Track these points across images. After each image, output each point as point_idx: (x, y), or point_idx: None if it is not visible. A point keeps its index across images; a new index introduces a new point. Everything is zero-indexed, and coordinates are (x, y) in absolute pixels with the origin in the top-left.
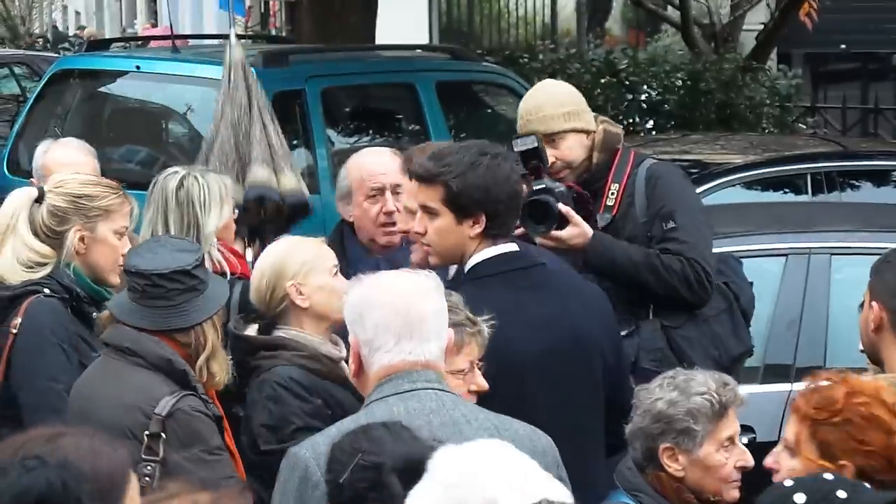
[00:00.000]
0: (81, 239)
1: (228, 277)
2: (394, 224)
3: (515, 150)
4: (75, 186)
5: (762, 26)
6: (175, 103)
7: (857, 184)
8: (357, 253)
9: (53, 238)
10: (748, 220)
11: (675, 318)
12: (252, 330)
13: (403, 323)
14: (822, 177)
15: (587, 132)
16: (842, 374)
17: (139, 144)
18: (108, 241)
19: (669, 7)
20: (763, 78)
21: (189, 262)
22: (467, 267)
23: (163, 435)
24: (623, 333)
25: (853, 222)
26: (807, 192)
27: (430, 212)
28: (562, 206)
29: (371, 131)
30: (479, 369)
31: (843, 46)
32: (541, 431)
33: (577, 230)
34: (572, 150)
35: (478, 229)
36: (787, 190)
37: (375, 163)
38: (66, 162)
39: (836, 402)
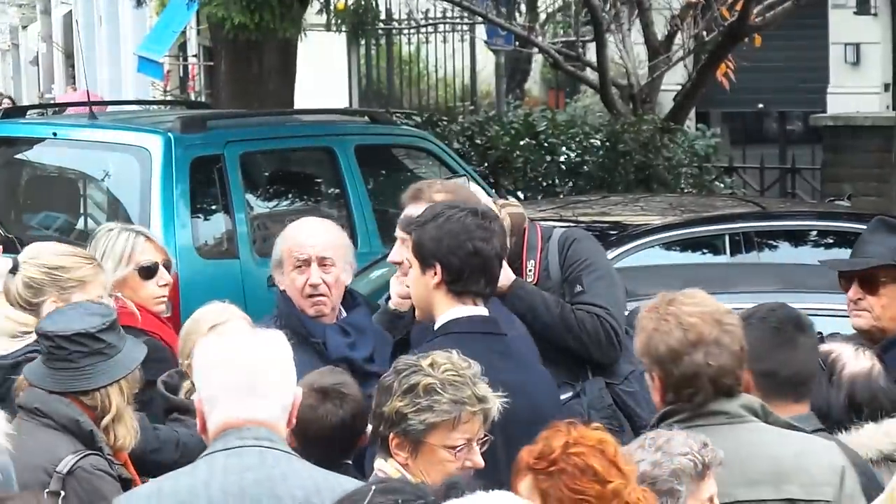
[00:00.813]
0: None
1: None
2: (320, 295)
3: None
4: (49, 258)
5: (680, 87)
6: (92, 169)
7: (775, 244)
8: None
9: (30, 309)
10: (667, 281)
11: (615, 374)
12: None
13: (240, 381)
14: (740, 237)
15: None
16: (571, 425)
17: (57, 211)
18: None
19: (588, 68)
20: (681, 138)
21: (94, 325)
22: (438, 323)
23: (62, 492)
24: (569, 395)
25: (772, 283)
26: (725, 253)
27: (409, 264)
28: None
29: (290, 196)
30: (480, 445)
31: (760, 106)
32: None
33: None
34: None
35: (437, 279)
36: (705, 251)
37: (305, 234)
38: None
39: (552, 452)
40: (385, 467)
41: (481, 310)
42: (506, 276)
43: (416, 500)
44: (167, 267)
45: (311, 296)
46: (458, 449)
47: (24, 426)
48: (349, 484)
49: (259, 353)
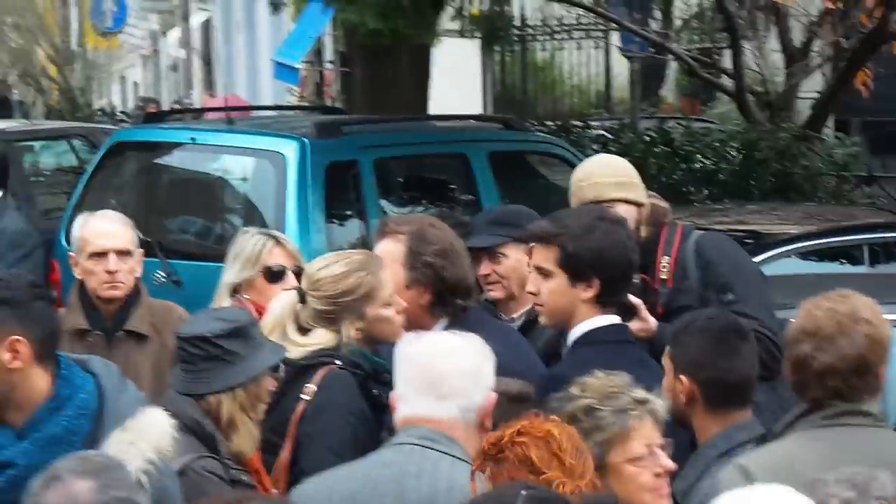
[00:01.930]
0: (358, 330)
1: None
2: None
3: None
4: (331, 286)
5: (818, 94)
6: (230, 174)
7: None
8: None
9: (328, 328)
10: (804, 291)
11: None
12: None
13: (422, 380)
14: (879, 247)
15: (637, 204)
16: (538, 416)
17: (195, 215)
18: (381, 315)
19: (724, 76)
20: (819, 146)
21: (211, 330)
22: (578, 332)
23: None
24: None
25: None
26: (864, 263)
27: (544, 272)
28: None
29: (424, 201)
30: (663, 449)
31: None
32: None
33: (644, 325)
34: None
35: (590, 293)
36: (843, 261)
37: None
38: (104, 233)
39: (501, 440)
40: None
41: (616, 318)
42: (648, 328)
43: None
44: (297, 274)
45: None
46: (641, 459)
47: None
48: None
49: (443, 355)
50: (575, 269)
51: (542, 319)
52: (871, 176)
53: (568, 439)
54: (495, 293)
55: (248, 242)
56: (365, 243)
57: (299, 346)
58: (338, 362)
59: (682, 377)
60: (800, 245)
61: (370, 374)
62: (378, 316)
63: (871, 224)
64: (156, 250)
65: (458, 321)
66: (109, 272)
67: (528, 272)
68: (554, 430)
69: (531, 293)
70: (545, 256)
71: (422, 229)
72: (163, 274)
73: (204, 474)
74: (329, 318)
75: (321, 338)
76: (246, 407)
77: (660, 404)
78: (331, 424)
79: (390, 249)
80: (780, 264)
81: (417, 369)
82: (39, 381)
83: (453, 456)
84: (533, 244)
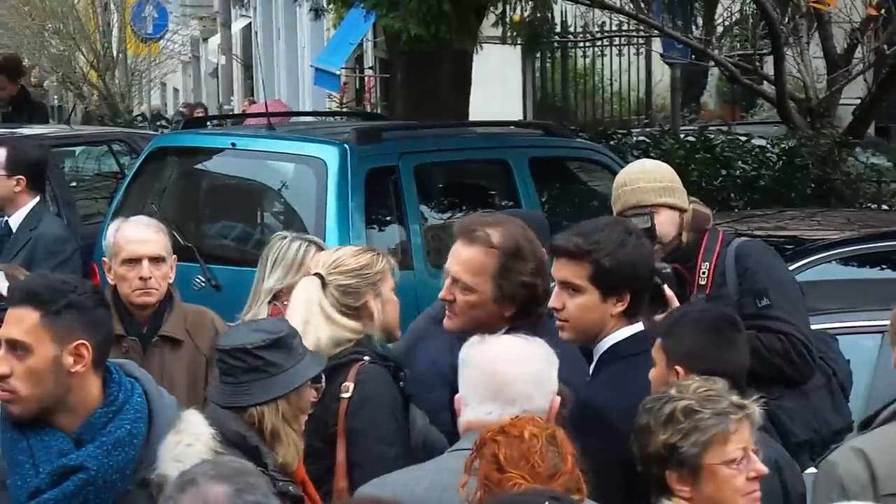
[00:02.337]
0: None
1: None
2: None
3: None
4: (352, 262)
5: (859, 101)
6: (270, 180)
7: None
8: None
9: (352, 314)
10: (844, 296)
11: (772, 389)
12: None
13: (488, 385)
14: None
15: (680, 210)
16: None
17: (235, 220)
18: (391, 299)
19: (765, 82)
20: (860, 153)
21: (252, 342)
22: (607, 345)
23: None
24: None
25: None
26: None
27: (573, 288)
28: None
29: (464, 207)
30: (757, 453)
31: None
32: None
33: None
34: (664, 224)
35: (621, 307)
36: (884, 266)
37: None
38: (137, 239)
39: (484, 437)
40: None
41: (640, 325)
42: None
43: None
44: None
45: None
46: (737, 462)
47: None
48: None
49: (509, 360)
50: (608, 284)
51: (565, 335)
52: None
53: (543, 443)
54: None
55: (289, 248)
56: (405, 249)
57: (342, 329)
58: (366, 358)
59: (678, 368)
60: (840, 251)
61: (398, 366)
62: (389, 297)
63: None
64: (195, 255)
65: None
66: (142, 278)
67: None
68: (528, 431)
69: (555, 308)
70: (575, 272)
71: (517, 245)
72: (202, 279)
73: None
74: (354, 295)
75: (349, 323)
76: (289, 418)
77: (757, 410)
78: (377, 416)
79: (481, 261)
80: (820, 270)
81: (482, 374)
82: (93, 386)
83: None
84: (558, 258)
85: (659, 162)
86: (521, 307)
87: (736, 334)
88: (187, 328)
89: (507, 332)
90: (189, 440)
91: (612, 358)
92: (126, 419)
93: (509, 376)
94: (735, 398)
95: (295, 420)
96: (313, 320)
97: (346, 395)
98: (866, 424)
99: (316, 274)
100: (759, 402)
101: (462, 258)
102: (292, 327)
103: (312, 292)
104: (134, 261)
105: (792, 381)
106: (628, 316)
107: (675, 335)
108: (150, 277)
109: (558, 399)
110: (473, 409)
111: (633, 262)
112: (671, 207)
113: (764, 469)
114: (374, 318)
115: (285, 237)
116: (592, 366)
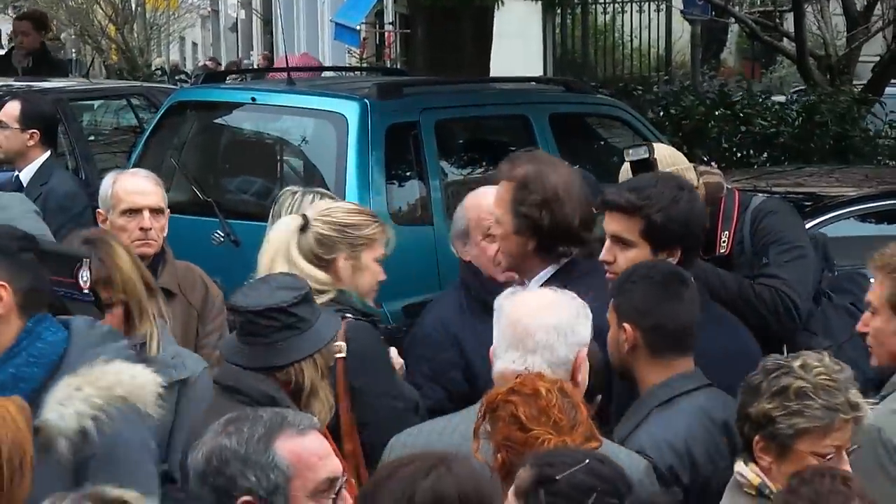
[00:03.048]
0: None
1: None
2: None
3: (626, 159)
4: (341, 216)
5: (878, 58)
6: (290, 135)
7: None
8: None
9: (320, 265)
10: (862, 252)
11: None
12: None
13: (512, 334)
14: None
15: None
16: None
17: (254, 175)
18: (371, 268)
19: (785, 39)
20: (879, 110)
21: (285, 300)
22: None
23: None
24: None
25: None
26: None
27: (624, 242)
28: None
29: (484, 163)
30: (849, 454)
31: None
32: (630, 456)
33: None
34: None
35: (672, 262)
36: None
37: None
38: (138, 191)
39: (494, 398)
40: (745, 471)
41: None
42: None
43: (612, 496)
44: None
45: (500, 263)
46: (827, 457)
47: (220, 402)
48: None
49: (533, 310)
50: (660, 239)
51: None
52: None
53: (557, 396)
54: None
55: (301, 203)
56: (424, 205)
57: (303, 276)
58: (349, 315)
59: (626, 325)
60: (858, 207)
61: (376, 320)
62: (369, 265)
63: None
64: (215, 210)
65: (566, 271)
66: (143, 229)
67: None
68: (542, 387)
69: (606, 262)
70: (627, 227)
71: (527, 177)
72: (221, 234)
73: None
74: (327, 246)
75: (316, 273)
76: (324, 372)
77: (867, 412)
78: (378, 372)
79: (501, 195)
80: (838, 226)
81: (508, 324)
82: (10, 331)
83: None
84: (610, 213)
85: (663, 146)
86: (538, 242)
87: (683, 289)
88: (179, 283)
89: (545, 284)
90: (79, 383)
91: None
92: (14, 363)
93: (531, 326)
94: (853, 394)
95: (324, 375)
96: (278, 261)
97: (340, 355)
98: (879, 386)
99: (303, 215)
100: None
101: (495, 192)
102: (307, 281)
103: (284, 233)
104: (134, 211)
105: (776, 335)
106: None
107: (624, 292)
108: (151, 228)
109: (584, 350)
110: (501, 358)
111: (685, 218)
112: None
113: (849, 471)
114: (342, 278)
115: (296, 192)
116: None
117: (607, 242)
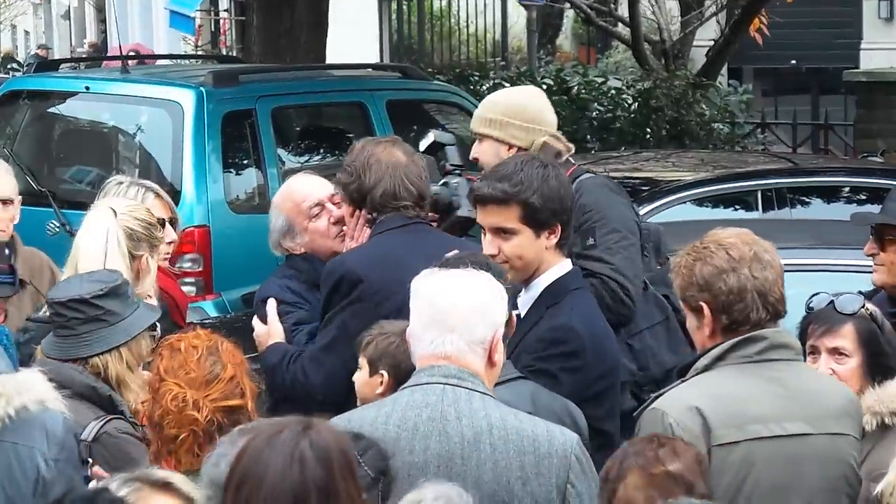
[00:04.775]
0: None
1: None
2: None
3: (420, 151)
4: (144, 213)
5: (713, 42)
6: (125, 124)
7: (807, 200)
8: None
9: (133, 259)
10: (698, 237)
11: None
12: None
13: (430, 314)
14: (772, 193)
15: (507, 144)
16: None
17: (89, 165)
18: (153, 269)
19: (620, 24)
20: (713, 94)
21: (90, 292)
22: (549, 280)
23: (89, 460)
24: None
25: (804, 239)
26: (757, 209)
27: (505, 232)
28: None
29: (322, 150)
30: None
31: (793, 62)
32: (564, 433)
33: None
34: (484, 154)
35: (554, 240)
36: (737, 207)
37: (303, 186)
38: None
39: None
40: None
41: (570, 262)
42: None
43: None
44: (174, 224)
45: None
46: None
47: None
48: (528, 425)
49: (449, 288)
50: (540, 220)
51: (514, 276)
52: (763, 123)
53: (206, 352)
54: None
55: (125, 195)
56: (262, 193)
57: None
58: None
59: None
60: (694, 192)
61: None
62: (154, 266)
63: (763, 170)
64: (50, 200)
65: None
66: None
67: None
68: (185, 343)
69: (492, 255)
70: (505, 216)
71: (353, 149)
72: (57, 224)
73: (119, 436)
74: (135, 242)
75: (119, 263)
76: (132, 366)
77: None
78: None
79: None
80: (674, 211)
81: (426, 304)
82: None
83: (481, 392)
84: (483, 206)
85: (523, 93)
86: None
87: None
88: (28, 270)
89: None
90: None
91: (562, 290)
92: None
93: (449, 305)
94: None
95: (135, 367)
96: (112, 254)
97: None
98: (682, 373)
99: (111, 208)
100: None
101: None
102: (124, 276)
103: (111, 224)
104: None
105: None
106: (560, 247)
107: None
108: (1, 219)
109: (500, 331)
110: (419, 339)
111: (558, 194)
112: (495, 139)
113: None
114: (146, 276)
115: (122, 182)
116: (533, 299)
117: (487, 236)
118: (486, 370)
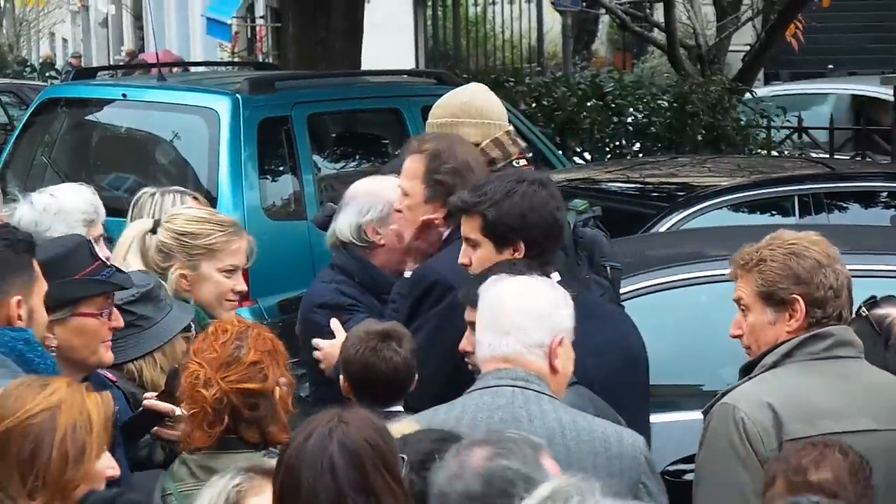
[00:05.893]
0: (183, 277)
1: None
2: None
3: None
4: (181, 223)
5: (748, 47)
6: (162, 131)
7: (845, 206)
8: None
9: (161, 274)
10: (734, 243)
11: None
12: None
13: (488, 317)
14: (809, 199)
15: None
16: None
17: (126, 172)
18: (213, 278)
19: (655, 29)
20: (750, 101)
21: (121, 298)
22: None
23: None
24: None
25: (841, 244)
26: (794, 215)
27: (472, 243)
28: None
29: (357, 157)
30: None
31: (830, 67)
32: (632, 434)
33: None
34: None
35: (519, 256)
36: (774, 212)
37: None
38: None
39: None
40: None
41: (555, 275)
42: None
43: None
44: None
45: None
46: None
47: None
48: (597, 426)
49: (507, 293)
50: (498, 235)
51: None
52: (801, 127)
53: (234, 336)
54: None
55: (163, 203)
56: (298, 199)
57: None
58: None
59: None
60: (731, 197)
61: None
62: (210, 276)
63: (800, 176)
64: None
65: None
66: None
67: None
68: (222, 326)
69: (464, 265)
70: (471, 226)
71: (439, 149)
72: None
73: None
74: (163, 254)
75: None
76: (166, 370)
77: None
78: None
79: (411, 166)
80: (711, 216)
81: (486, 308)
82: None
83: (548, 395)
84: (455, 216)
85: (465, 91)
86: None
87: None
88: None
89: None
90: None
91: None
92: None
93: (506, 308)
94: None
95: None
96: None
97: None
98: (747, 370)
99: (155, 220)
100: None
101: (403, 168)
102: (158, 280)
103: (132, 237)
104: None
105: None
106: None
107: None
108: None
109: (562, 336)
110: (479, 342)
111: (519, 211)
112: None
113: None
114: (172, 287)
115: (153, 193)
116: None
117: (463, 245)
118: (550, 376)
